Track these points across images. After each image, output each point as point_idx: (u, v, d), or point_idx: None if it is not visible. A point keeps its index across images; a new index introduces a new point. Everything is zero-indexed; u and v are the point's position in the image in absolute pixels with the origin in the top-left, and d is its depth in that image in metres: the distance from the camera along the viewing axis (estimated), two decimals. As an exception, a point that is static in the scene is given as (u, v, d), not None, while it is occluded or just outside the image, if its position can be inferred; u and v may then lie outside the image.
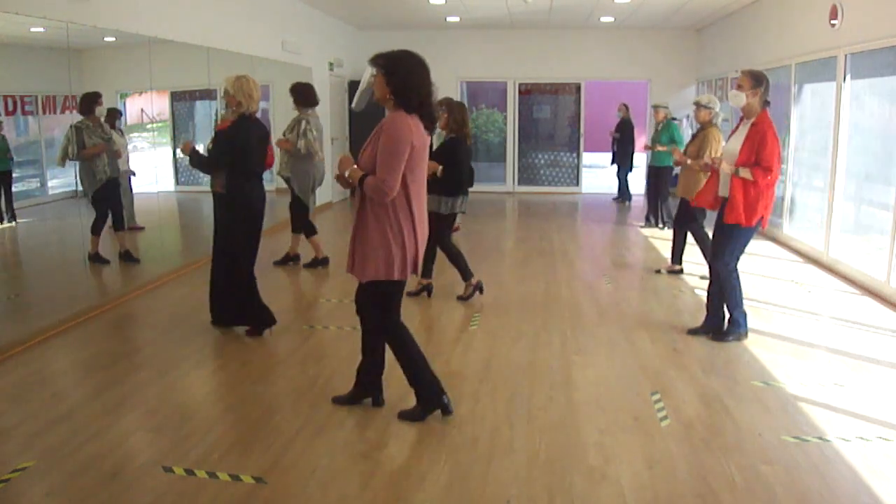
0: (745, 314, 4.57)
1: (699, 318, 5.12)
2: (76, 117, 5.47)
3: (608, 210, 10.87)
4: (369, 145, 3.16)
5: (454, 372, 4.06)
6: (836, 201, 6.74)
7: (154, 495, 2.77)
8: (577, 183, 12.84)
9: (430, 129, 3.21)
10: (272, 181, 8.36)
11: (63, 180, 5.80)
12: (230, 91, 4.36)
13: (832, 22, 6.72)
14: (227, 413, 3.54)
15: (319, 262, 6.63)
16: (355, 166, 3.16)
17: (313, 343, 4.60)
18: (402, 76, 3.07)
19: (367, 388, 3.55)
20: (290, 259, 6.73)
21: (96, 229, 5.66)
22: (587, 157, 13.32)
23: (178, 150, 4.62)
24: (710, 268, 4.71)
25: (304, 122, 6.21)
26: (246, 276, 4.58)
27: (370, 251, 3.14)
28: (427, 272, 5.56)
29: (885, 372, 4.11)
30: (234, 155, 4.36)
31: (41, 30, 4.95)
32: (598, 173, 15.54)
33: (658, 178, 8.69)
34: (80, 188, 5.63)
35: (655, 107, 8.86)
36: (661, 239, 8.24)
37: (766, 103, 4.29)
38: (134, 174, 6.28)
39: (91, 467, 2.96)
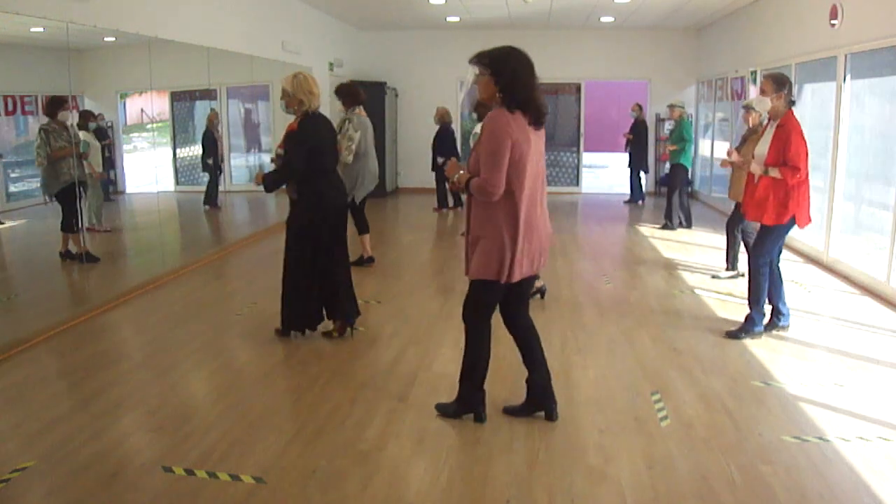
0: (763, 315, 4.61)
1: (699, 317, 5.13)
2: (76, 117, 5.47)
3: (609, 210, 10.87)
4: (475, 148, 3.13)
5: (454, 372, 4.06)
6: (836, 201, 6.74)
7: (154, 495, 2.77)
8: (578, 183, 12.84)
9: (537, 124, 3.10)
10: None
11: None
12: (289, 90, 4.22)
13: (832, 22, 6.72)
14: (227, 413, 3.54)
15: (365, 261, 6.61)
16: (462, 171, 3.13)
17: (313, 343, 4.60)
18: (510, 74, 3.02)
19: (539, 400, 3.44)
20: (364, 261, 6.63)
21: (68, 227, 5.56)
22: (587, 157, 13.31)
23: (253, 181, 4.46)
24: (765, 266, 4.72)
25: (346, 123, 6.15)
26: (347, 273, 4.57)
27: (482, 251, 3.10)
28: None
29: (885, 372, 4.11)
30: (309, 155, 4.22)
31: (41, 30, 4.95)
32: (598, 173, 15.56)
33: (674, 177, 8.69)
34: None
35: (671, 106, 8.88)
36: (662, 239, 8.24)
37: (791, 103, 4.37)
38: (107, 177, 6.21)
39: (91, 467, 2.96)
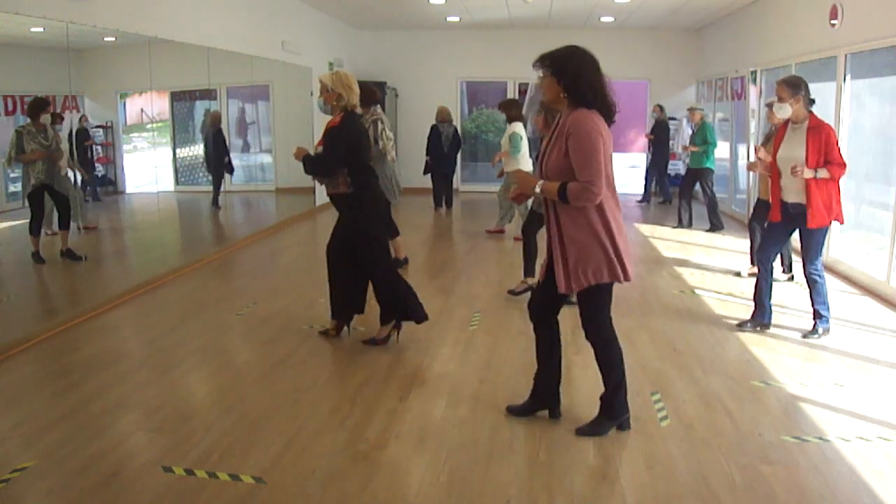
0: (828, 314, 4.70)
1: (699, 317, 5.13)
2: (77, 117, 5.47)
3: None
4: (551, 152, 3.06)
5: (454, 372, 4.06)
6: (836, 201, 6.73)
7: (154, 495, 2.76)
8: (578, 183, 12.83)
9: (610, 122, 3.09)
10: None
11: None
12: (328, 85, 4.16)
13: (832, 22, 6.72)
14: (227, 413, 3.54)
15: (401, 263, 6.54)
16: (542, 181, 3.05)
17: (313, 343, 4.60)
18: (573, 73, 3.00)
19: (544, 398, 3.43)
20: (399, 263, 6.55)
21: (33, 230, 5.50)
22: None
23: (291, 155, 4.35)
24: (760, 264, 4.78)
25: (379, 123, 6.02)
26: (393, 272, 4.50)
27: (582, 259, 3.02)
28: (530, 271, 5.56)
29: (885, 372, 4.11)
30: (349, 151, 4.18)
31: (41, 30, 4.95)
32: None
33: (693, 179, 8.68)
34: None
35: (691, 109, 8.93)
36: (662, 239, 8.24)
37: (811, 102, 4.40)
38: (79, 176, 6.15)
39: (91, 467, 2.96)
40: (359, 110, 4.42)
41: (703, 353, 4.37)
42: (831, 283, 6.17)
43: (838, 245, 6.71)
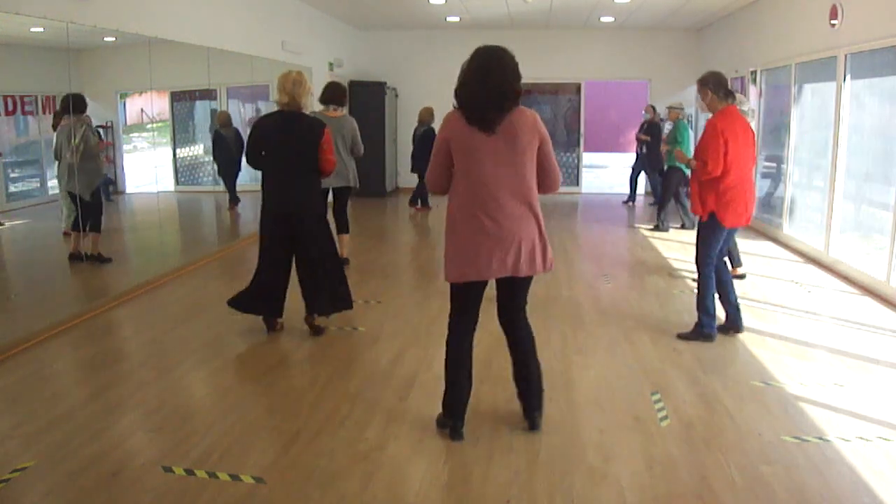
0: (711, 317, 4.58)
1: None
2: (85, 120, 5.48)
3: (609, 210, 10.87)
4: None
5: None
6: (836, 201, 6.74)
7: (154, 495, 2.77)
8: (578, 183, 12.85)
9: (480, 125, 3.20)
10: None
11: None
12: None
13: (832, 22, 6.72)
14: (227, 413, 3.54)
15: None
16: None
17: (313, 343, 4.60)
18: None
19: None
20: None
21: (96, 226, 5.68)
22: (587, 157, 13.32)
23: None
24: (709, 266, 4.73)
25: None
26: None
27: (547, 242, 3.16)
28: None
29: (885, 372, 4.11)
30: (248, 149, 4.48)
31: (41, 30, 4.95)
32: (598, 173, 15.56)
33: (668, 179, 8.67)
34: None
35: (669, 107, 8.87)
36: (662, 239, 8.24)
37: (727, 96, 4.38)
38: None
39: (91, 467, 2.96)
40: (308, 111, 4.49)
41: (703, 353, 4.37)
42: (831, 283, 6.18)
43: (838, 245, 6.71)
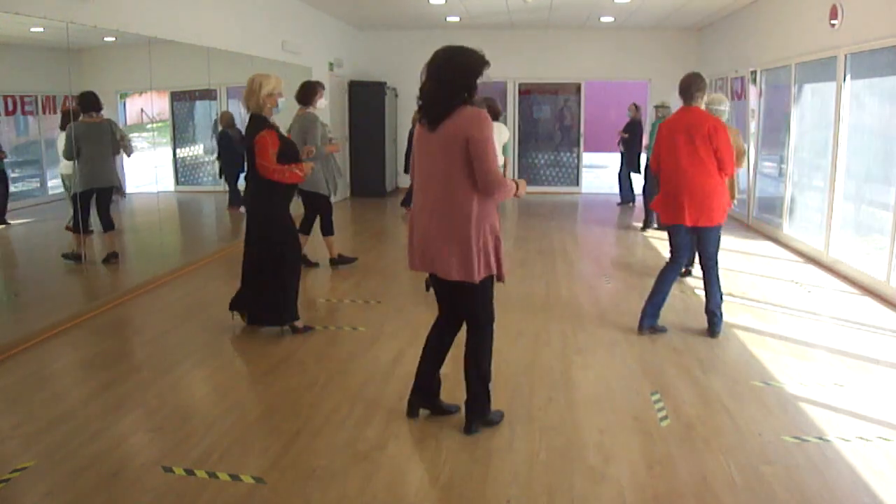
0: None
1: (699, 317, 5.13)
2: (76, 117, 5.47)
3: (609, 210, 10.87)
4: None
5: (453, 372, 4.06)
6: (836, 201, 6.74)
7: (154, 495, 2.77)
8: (578, 183, 12.85)
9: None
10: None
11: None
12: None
13: (832, 22, 6.72)
14: (227, 413, 3.54)
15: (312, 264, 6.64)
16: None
17: (313, 343, 4.60)
18: None
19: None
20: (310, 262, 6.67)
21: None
22: (587, 157, 13.32)
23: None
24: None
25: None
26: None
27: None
28: None
29: (885, 372, 4.11)
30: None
31: (41, 30, 4.95)
32: (598, 173, 15.55)
33: (649, 176, 8.64)
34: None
35: (654, 107, 8.87)
36: (662, 239, 8.24)
37: (682, 99, 4.50)
38: None
39: (91, 467, 2.96)
40: (266, 113, 4.39)
41: (703, 353, 4.37)
42: (831, 283, 6.19)
43: (838, 245, 6.71)
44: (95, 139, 5.54)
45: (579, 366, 4.17)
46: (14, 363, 4.20)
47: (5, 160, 5.31)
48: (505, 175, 8.18)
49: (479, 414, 3.30)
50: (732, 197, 5.90)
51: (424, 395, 3.41)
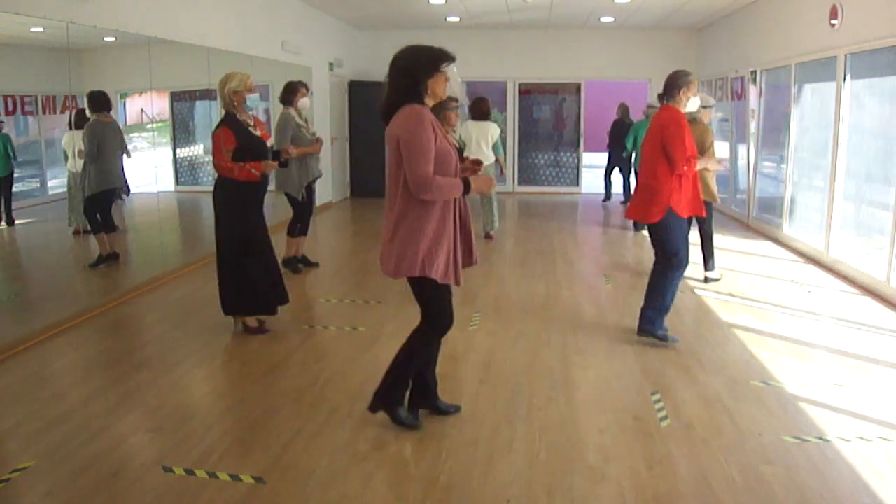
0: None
1: (699, 317, 5.13)
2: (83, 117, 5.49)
3: (609, 211, 10.87)
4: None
5: (454, 372, 4.06)
6: (836, 201, 6.74)
7: (154, 495, 2.77)
8: (577, 183, 12.84)
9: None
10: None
11: (63, 180, 5.80)
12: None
13: (832, 22, 6.72)
14: (227, 413, 3.54)
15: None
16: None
17: (313, 343, 4.60)
18: None
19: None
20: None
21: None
22: (587, 157, 13.32)
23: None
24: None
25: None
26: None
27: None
28: None
29: (885, 372, 4.11)
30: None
31: (41, 30, 4.95)
32: (598, 173, 15.53)
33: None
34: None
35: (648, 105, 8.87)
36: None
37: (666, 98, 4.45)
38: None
39: (91, 467, 2.96)
40: (236, 109, 4.44)
41: (703, 353, 4.37)
42: (831, 283, 6.19)
43: (838, 245, 6.71)
44: (110, 139, 5.58)
45: (579, 366, 4.17)
46: (14, 363, 4.20)
47: (15, 160, 5.34)
48: (503, 173, 8.10)
49: (386, 405, 3.30)
50: (713, 198, 5.91)
51: (421, 395, 3.40)
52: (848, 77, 6.49)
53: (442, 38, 12.22)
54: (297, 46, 9.27)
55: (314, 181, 6.42)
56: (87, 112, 5.56)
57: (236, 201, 4.48)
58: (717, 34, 10.97)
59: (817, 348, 4.49)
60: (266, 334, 4.69)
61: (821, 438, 3.25)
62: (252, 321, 4.73)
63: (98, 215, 5.64)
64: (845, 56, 6.48)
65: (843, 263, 6.50)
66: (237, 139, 4.35)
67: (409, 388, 3.36)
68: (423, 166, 2.87)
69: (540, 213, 10.39)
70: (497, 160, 7.96)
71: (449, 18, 11.09)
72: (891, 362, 4.25)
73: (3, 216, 5.33)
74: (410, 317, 5.14)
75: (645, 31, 11.99)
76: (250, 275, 4.55)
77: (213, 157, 4.40)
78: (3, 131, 5.15)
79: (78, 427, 3.33)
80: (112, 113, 5.70)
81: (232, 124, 4.38)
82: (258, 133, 4.51)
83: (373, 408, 3.30)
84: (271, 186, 5.10)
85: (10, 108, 5.29)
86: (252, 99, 4.45)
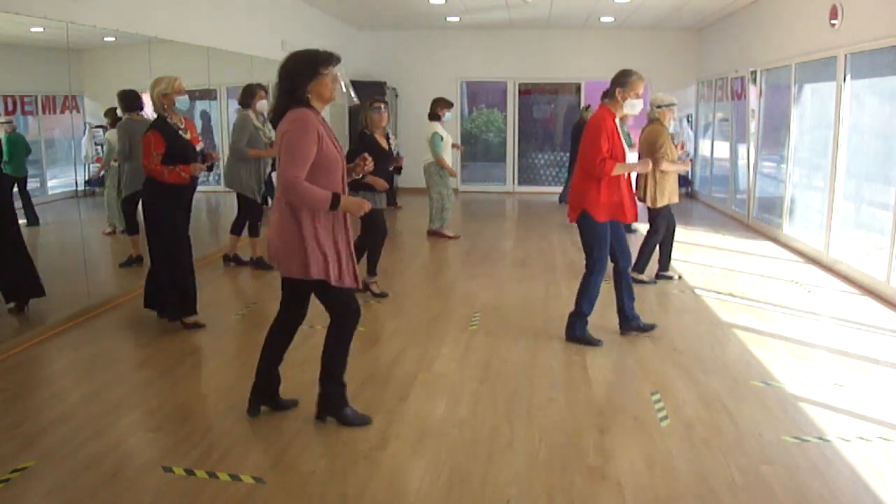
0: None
1: (699, 317, 5.13)
2: (76, 117, 5.48)
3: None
4: None
5: (454, 372, 4.06)
6: (836, 201, 6.74)
7: (154, 495, 2.77)
8: (577, 183, 12.82)
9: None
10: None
11: (63, 180, 5.80)
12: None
13: (832, 22, 6.72)
14: (227, 413, 3.54)
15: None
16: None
17: (313, 343, 4.60)
18: None
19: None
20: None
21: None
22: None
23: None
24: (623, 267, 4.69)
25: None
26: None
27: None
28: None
29: (885, 372, 4.11)
30: None
31: (41, 30, 4.95)
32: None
33: None
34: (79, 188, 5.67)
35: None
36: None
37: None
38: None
39: (91, 467, 2.96)
40: (167, 112, 4.61)
41: (703, 353, 4.37)
42: (831, 283, 6.19)
43: (838, 245, 6.71)
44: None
45: (579, 366, 4.17)
46: (14, 363, 4.20)
47: (28, 158, 5.36)
48: (451, 172, 8.25)
49: (332, 411, 3.35)
50: (678, 196, 5.92)
51: (264, 392, 3.46)
52: (848, 77, 6.49)
53: (442, 37, 12.30)
54: (296, 46, 9.22)
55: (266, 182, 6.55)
56: (119, 111, 5.59)
57: (165, 203, 4.63)
58: (717, 34, 10.97)
59: (817, 348, 4.49)
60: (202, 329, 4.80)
61: (821, 438, 3.25)
62: (190, 319, 4.85)
63: (135, 214, 5.73)
64: (845, 56, 6.48)
65: (842, 263, 6.50)
66: (166, 143, 4.49)
67: (254, 383, 3.45)
68: (292, 169, 2.94)
69: (540, 213, 10.38)
70: (437, 158, 8.14)
71: (449, 18, 11.10)
72: (891, 362, 4.25)
73: (26, 216, 5.33)
74: (410, 317, 5.16)
75: (645, 31, 11.99)
76: (184, 274, 4.76)
77: (143, 160, 4.56)
78: (17, 131, 5.16)
79: (78, 427, 3.33)
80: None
81: (161, 128, 4.53)
82: (188, 136, 4.67)
83: (320, 416, 3.37)
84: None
85: (10, 108, 5.29)
86: (181, 101, 4.63)
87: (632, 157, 4.59)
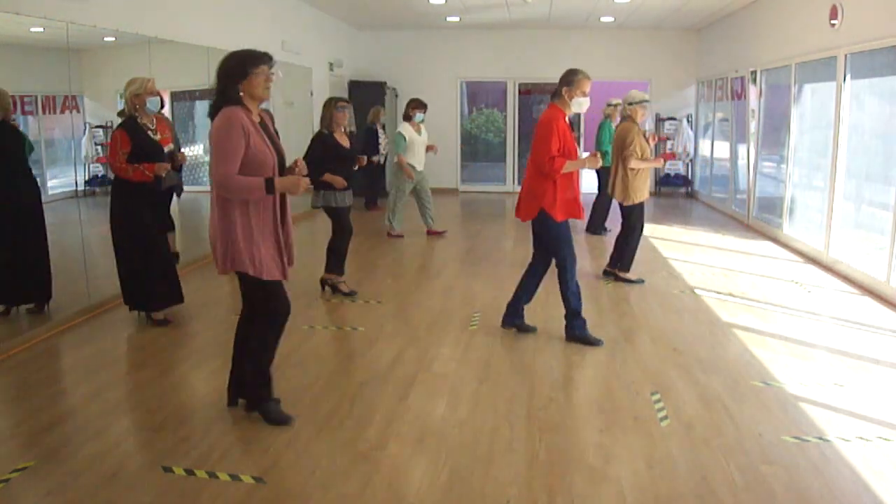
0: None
1: (699, 317, 5.13)
2: (76, 117, 5.48)
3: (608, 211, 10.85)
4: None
5: (454, 372, 4.06)
6: (836, 201, 6.74)
7: (154, 495, 2.77)
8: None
9: None
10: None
11: (63, 180, 5.80)
12: None
13: (832, 22, 6.72)
14: (227, 413, 3.53)
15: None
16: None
17: (313, 343, 4.60)
18: None
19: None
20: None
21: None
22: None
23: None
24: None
25: None
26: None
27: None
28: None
29: (885, 372, 4.11)
30: None
31: (41, 30, 4.95)
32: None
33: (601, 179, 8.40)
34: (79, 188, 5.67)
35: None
36: (661, 239, 8.24)
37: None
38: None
39: (91, 467, 2.96)
40: (138, 112, 4.65)
41: (703, 353, 4.37)
42: (831, 283, 6.19)
43: (838, 245, 6.71)
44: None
45: (579, 366, 4.17)
46: (14, 363, 4.20)
47: (31, 157, 5.35)
48: (405, 171, 8.07)
49: (255, 404, 3.42)
50: (651, 193, 5.92)
51: (239, 385, 3.50)
52: (848, 77, 6.50)
53: (442, 37, 12.29)
54: (297, 46, 9.27)
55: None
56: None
57: (133, 201, 4.69)
58: (717, 34, 10.97)
59: (817, 348, 4.49)
60: (170, 325, 4.87)
61: (821, 438, 3.25)
62: (159, 315, 4.92)
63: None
64: (845, 56, 6.48)
65: (843, 263, 6.50)
66: (132, 142, 4.55)
67: (230, 377, 3.51)
68: (222, 166, 3.01)
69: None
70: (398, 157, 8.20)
71: (449, 18, 11.10)
72: (891, 362, 4.25)
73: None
74: (410, 317, 5.17)
75: (645, 31, 11.99)
76: (151, 270, 4.80)
77: (109, 158, 4.64)
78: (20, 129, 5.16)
79: (78, 427, 3.33)
80: (106, 113, 5.72)
81: (129, 127, 4.59)
82: (157, 136, 4.71)
83: (249, 409, 3.45)
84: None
85: (10, 107, 5.28)
86: (152, 101, 4.70)
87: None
